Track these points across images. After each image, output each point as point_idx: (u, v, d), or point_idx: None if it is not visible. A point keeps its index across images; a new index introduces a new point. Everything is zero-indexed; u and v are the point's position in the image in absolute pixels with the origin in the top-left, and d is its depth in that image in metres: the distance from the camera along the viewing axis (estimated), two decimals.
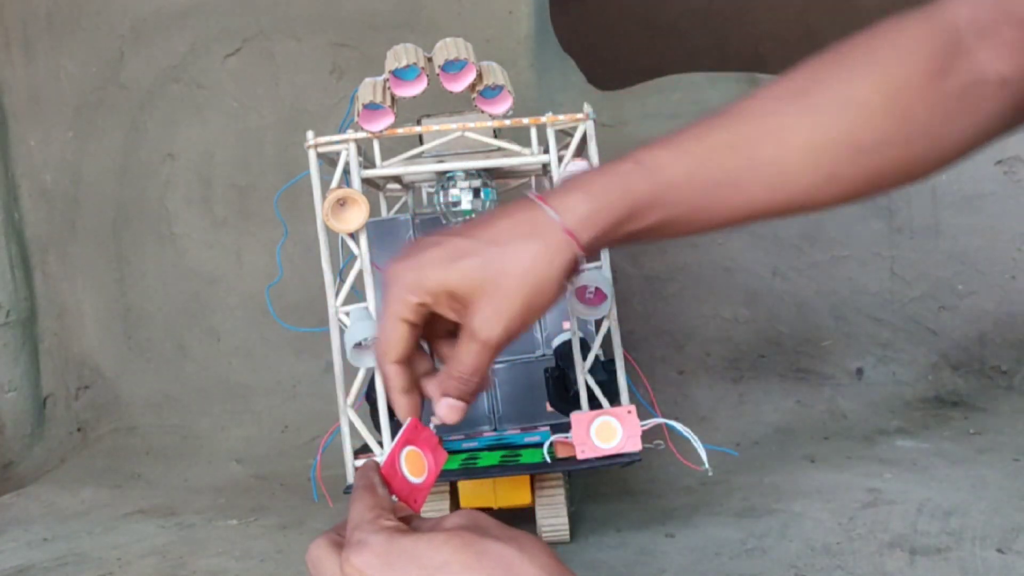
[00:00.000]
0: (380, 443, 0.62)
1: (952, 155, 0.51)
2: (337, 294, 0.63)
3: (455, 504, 0.67)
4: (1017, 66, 0.49)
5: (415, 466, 0.49)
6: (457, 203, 0.66)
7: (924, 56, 0.49)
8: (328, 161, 0.65)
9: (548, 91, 1.08)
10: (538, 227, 0.48)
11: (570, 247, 0.48)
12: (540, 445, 0.66)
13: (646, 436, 0.63)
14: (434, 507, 0.66)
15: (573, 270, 0.48)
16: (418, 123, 0.69)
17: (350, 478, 0.63)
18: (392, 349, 0.49)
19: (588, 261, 0.50)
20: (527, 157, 0.65)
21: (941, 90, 0.49)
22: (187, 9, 1.11)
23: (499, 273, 0.47)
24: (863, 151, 0.49)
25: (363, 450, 0.64)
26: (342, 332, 0.62)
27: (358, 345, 0.61)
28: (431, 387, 0.50)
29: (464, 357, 0.48)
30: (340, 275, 0.64)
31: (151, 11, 1.12)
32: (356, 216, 0.61)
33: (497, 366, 0.73)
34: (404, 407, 0.50)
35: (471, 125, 0.64)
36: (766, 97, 0.51)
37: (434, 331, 0.51)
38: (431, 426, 0.50)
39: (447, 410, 0.49)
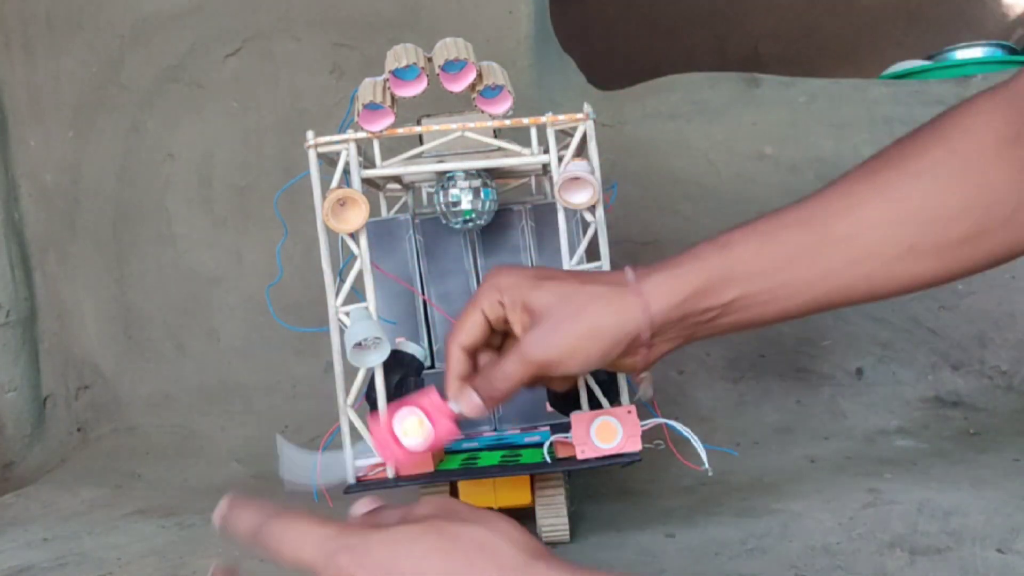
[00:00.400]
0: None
1: None
2: (337, 294, 0.63)
3: None
4: None
5: (412, 430, 0.51)
6: (457, 203, 0.66)
7: (995, 126, 0.49)
8: (328, 161, 0.65)
9: (548, 91, 1.08)
10: (618, 284, 0.51)
11: (639, 309, 0.50)
12: (540, 445, 0.66)
13: (646, 436, 0.63)
14: None
15: (638, 340, 0.50)
16: (418, 123, 0.69)
17: (351, 478, 0.63)
18: (463, 333, 0.53)
19: (658, 356, 0.52)
20: (527, 157, 0.65)
21: (1019, 154, 0.48)
22: (187, 9, 1.11)
23: (569, 304, 0.50)
24: (940, 220, 0.49)
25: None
26: (342, 332, 0.62)
27: (358, 345, 0.61)
28: (480, 371, 0.53)
29: (506, 366, 0.51)
30: (340, 275, 0.64)
31: (151, 11, 1.12)
32: (356, 216, 0.61)
33: None
34: (455, 391, 0.53)
35: (471, 125, 0.64)
36: (840, 181, 0.52)
37: (491, 340, 0.55)
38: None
39: (467, 400, 0.52)
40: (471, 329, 0.53)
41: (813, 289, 0.51)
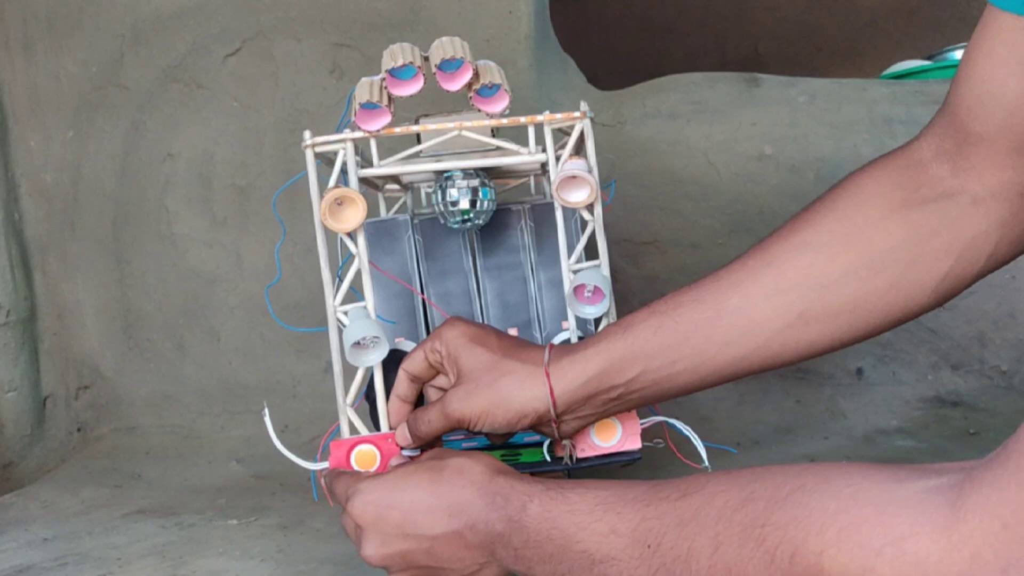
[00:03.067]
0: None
1: (936, 281, 0.52)
2: (336, 294, 0.63)
3: None
4: (987, 183, 0.50)
5: (365, 461, 0.61)
6: (455, 202, 0.66)
7: (883, 192, 0.52)
8: (326, 161, 0.65)
9: (548, 91, 1.08)
10: (533, 364, 0.57)
11: (545, 390, 0.55)
12: (539, 444, 0.66)
13: (646, 434, 0.63)
14: None
15: (544, 417, 0.56)
16: (415, 122, 0.69)
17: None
18: (409, 362, 0.61)
19: (570, 432, 0.59)
20: (525, 156, 0.64)
21: (906, 218, 0.51)
22: (187, 9, 1.12)
23: (489, 373, 0.57)
24: (826, 287, 0.52)
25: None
26: (341, 332, 0.62)
27: (357, 344, 0.61)
28: (417, 410, 0.61)
29: (430, 414, 0.58)
30: (339, 275, 0.64)
31: (151, 11, 1.12)
32: (354, 216, 0.61)
33: None
34: (394, 410, 0.62)
35: (468, 124, 0.64)
36: (734, 261, 0.56)
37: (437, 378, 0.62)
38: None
39: (400, 433, 0.60)
40: (417, 363, 0.60)
41: (713, 362, 0.54)
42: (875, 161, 0.55)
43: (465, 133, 0.65)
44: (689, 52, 1.95)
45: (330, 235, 0.63)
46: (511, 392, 0.56)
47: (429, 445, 0.60)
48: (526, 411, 0.56)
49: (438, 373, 0.61)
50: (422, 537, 0.50)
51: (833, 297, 0.52)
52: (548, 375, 0.55)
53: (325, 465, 0.62)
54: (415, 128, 0.68)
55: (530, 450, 0.67)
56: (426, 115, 0.69)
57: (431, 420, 0.58)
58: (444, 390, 0.60)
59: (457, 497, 0.50)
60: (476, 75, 0.63)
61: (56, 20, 1.13)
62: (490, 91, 0.63)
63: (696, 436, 0.63)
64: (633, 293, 1.06)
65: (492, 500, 0.49)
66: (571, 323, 0.65)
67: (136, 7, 1.12)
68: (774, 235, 0.55)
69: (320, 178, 0.64)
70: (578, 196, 0.62)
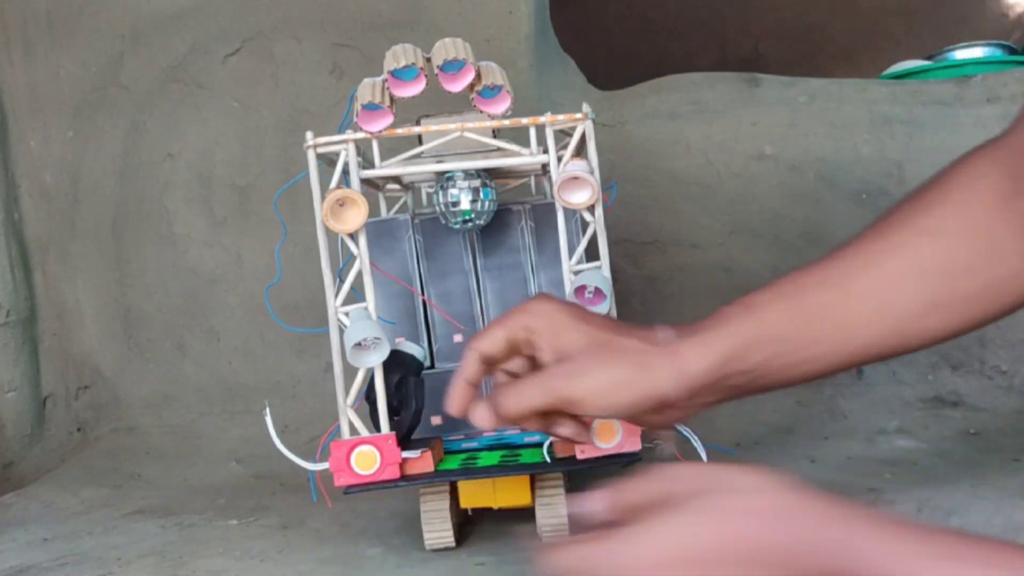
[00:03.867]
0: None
1: None
2: (337, 294, 0.63)
3: (455, 504, 0.67)
4: None
5: (364, 462, 0.60)
6: (456, 203, 0.66)
7: (992, 181, 0.51)
8: (327, 161, 0.65)
9: (548, 91, 1.08)
10: (651, 343, 0.51)
11: (673, 371, 0.50)
12: (540, 445, 0.66)
13: (646, 436, 0.63)
14: (434, 506, 0.66)
15: (666, 402, 0.50)
16: (417, 123, 0.69)
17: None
18: (484, 340, 0.53)
19: (680, 419, 0.53)
20: (526, 157, 0.65)
21: (1018, 209, 0.50)
22: (187, 9, 1.11)
23: (603, 351, 0.50)
24: (955, 275, 0.50)
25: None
26: (342, 332, 0.62)
27: (358, 345, 0.61)
28: (497, 387, 0.54)
29: (527, 388, 0.51)
30: (339, 275, 0.64)
31: (151, 11, 1.12)
32: (355, 216, 0.61)
33: None
34: (458, 394, 0.54)
35: (470, 125, 0.64)
36: (854, 241, 0.54)
37: (509, 363, 0.55)
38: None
39: (484, 414, 0.52)
40: (492, 341, 0.53)
41: (843, 348, 0.52)
42: (978, 150, 0.54)
43: (466, 134, 0.65)
44: (689, 52, 1.95)
45: (331, 235, 0.63)
46: (634, 372, 0.50)
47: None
48: (651, 393, 0.50)
49: (514, 354, 0.54)
50: None
51: (961, 285, 0.51)
52: (677, 356, 0.50)
53: (325, 465, 0.62)
54: (417, 129, 0.68)
55: (530, 450, 0.67)
56: (428, 116, 0.69)
57: (527, 395, 0.51)
58: (514, 375, 0.55)
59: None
60: (478, 76, 0.63)
61: (56, 20, 1.13)
62: (492, 92, 0.63)
63: (696, 438, 0.63)
64: (633, 293, 1.06)
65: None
66: None
67: (136, 7, 1.12)
68: (890, 220, 0.53)
69: (322, 178, 0.64)
70: (580, 197, 0.63)
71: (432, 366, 0.73)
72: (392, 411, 0.64)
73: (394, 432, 0.62)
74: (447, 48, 0.63)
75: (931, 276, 0.51)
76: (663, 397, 0.50)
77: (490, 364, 0.54)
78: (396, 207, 0.81)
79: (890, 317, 0.51)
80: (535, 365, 0.54)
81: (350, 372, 0.63)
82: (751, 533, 0.36)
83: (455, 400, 0.54)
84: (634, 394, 0.50)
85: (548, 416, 0.54)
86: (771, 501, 0.37)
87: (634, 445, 0.61)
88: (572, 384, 0.50)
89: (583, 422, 0.56)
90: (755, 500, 0.37)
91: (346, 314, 0.63)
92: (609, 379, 0.50)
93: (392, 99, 0.63)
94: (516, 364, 0.55)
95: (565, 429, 0.55)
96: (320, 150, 0.63)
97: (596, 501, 0.41)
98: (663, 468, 0.41)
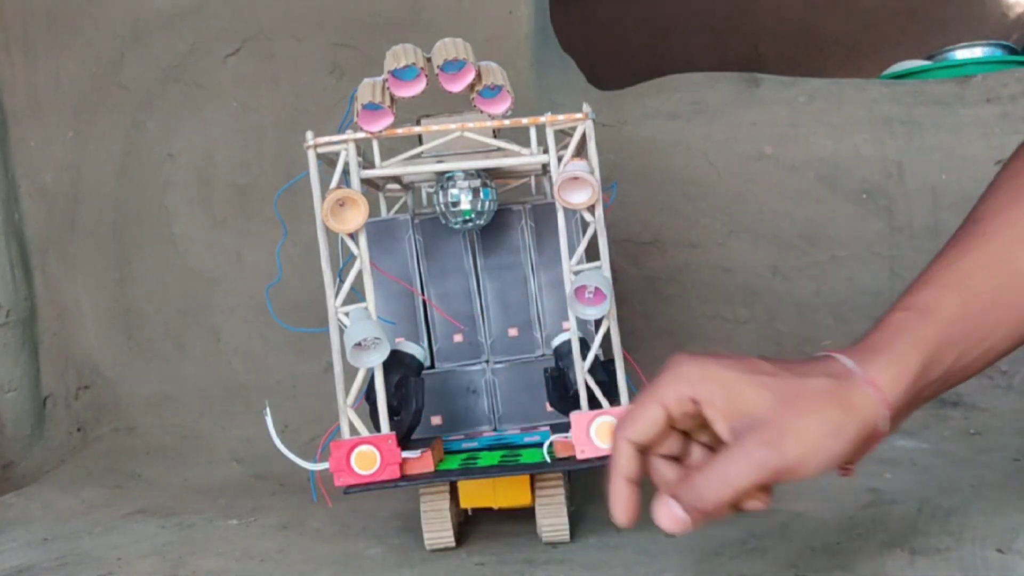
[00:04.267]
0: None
1: None
2: (337, 294, 0.63)
3: (455, 504, 0.67)
4: None
5: (364, 462, 0.60)
6: (457, 203, 0.67)
7: None
8: (327, 161, 0.65)
9: (548, 91, 1.08)
10: (840, 377, 0.46)
11: (876, 402, 0.45)
12: (540, 445, 0.66)
13: None
14: (434, 506, 0.66)
15: (876, 435, 0.45)
16: (417, 123, 0.69)
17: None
18: (636, 426, 0.46)
19: (889, 430, 0.47)
20: (526, 157, 0.65)
21: None
22: (187, 9, 1.12)
23: (797, 402, 0.44)
24: None
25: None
26: (342, 332, 0.62)
27: (358, 345, 0.61)
28: (664, 474, 0.47)
29: (728, 471, 0.43)
30: (340, 275, 0.64)
31: (151, 11, 1.12)
32: (355, 216, 0.61)
33: (497, 366, 0.73)
34: (622, 497, 0.46)
35: (470, 125, 0.64)
36: (990, 212, 0.51)
37: (665, 441, 0.48)
38: None
39: (668, 517, 0.44)
40: (648, 424, 0.45)
41: (1020, 330, 0.49)
42: None
43: (467, 134, 0.65)
44: (689, 52, 1.95)
45: (331, 235, 0.63)
46: (842, 416, 0.44)
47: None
48: (863, 433, 0.44)
49: (672, 433, 0.47)
50: None
51: None
52: (875, 385, 0.45)
53: (325, 466, 0.62)
54: (417, 129, 0.68)
55: (530, 450, 0.67)
56: (428, 116, 0.69)
57: (731, 480, 0.43)
58: (673, 458, 0.48)
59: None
60: (478, 76, 0.63)
61: (56, 20, 1.13)
62: (492, 92, 0.63)
63: None
64: (633, 293, 1.06)
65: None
66: (572, 324, 0.65)
67: (136, 7, 1.12)
68: (1019, 183, 0.50)
69: (322, 178, 0.64)
70: (580, 197, 0.63)
71: (432, 366, 0.73)
72: (392, 411, 0.64)
73: (394, 432, 0.62)
74: (447, 48, 0.63)
75: None
76: (875, 433, 0.45)
77: (647, 452, 0.47)
78: (396, 207, 0.81)
79: None
80: (688, 438, 0.48)
81: (350, 372, 0.63)
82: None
83: (621, 507, 0.46)
84: (847, 441, 0.44)
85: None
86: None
87: None
88: (783, 451, 0.43)
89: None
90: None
91: (346, 314, 0.63)
92: (820, 433, 0.43)
93: (392, 99, 0.63)
94: (672, 443, 0.48)
95: (757, 503, 0.46)
96: (320, 150, 0.63)
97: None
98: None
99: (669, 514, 0.43)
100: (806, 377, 0.45)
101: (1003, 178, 0.52)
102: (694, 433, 0.48)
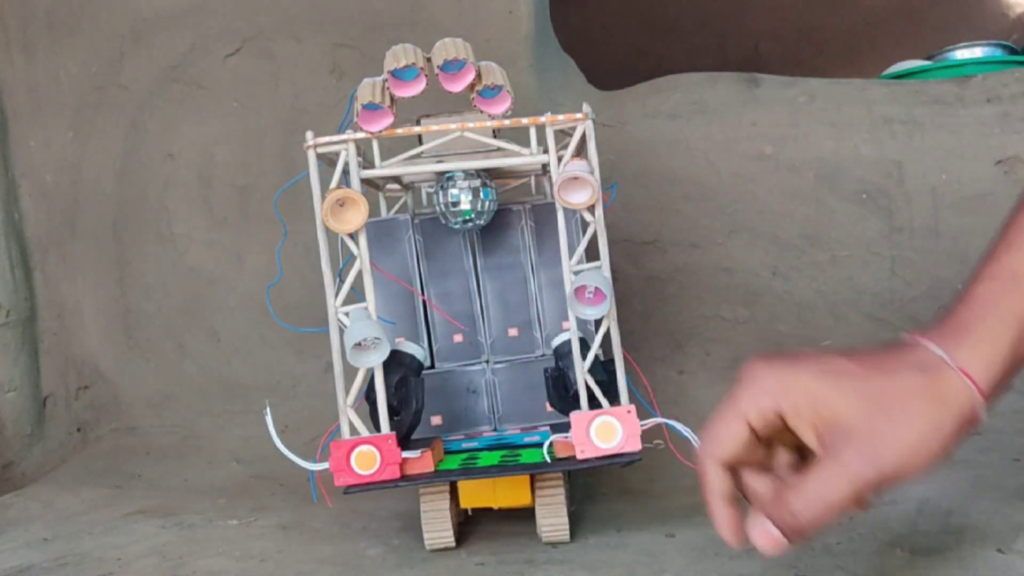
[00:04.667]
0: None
1: None
2: (337, 294, 0.63)
3: (455, 504, 0.67)
4: None
5: (364, 462, 0.60)
6: (457, 203, 0.67)
7: None
8: (327, 161, 0.65)
9: (548, 91, 1.08)
10: (929, 367, 0.43)
11: (970, 391, 0.43)
12: (540, 445, 0.66)
13: (646, 436, 0.63)
14: (434, 506, 0.66)
15: (972, 423, 0.43)
16: (417, 123, 0.69)
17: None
18: (721, 447, 0.44)
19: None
20: (526, 157, 0.65)
21: None
22: (187, 9, 1.12)
23: (887, 404, 0.41)
24: None
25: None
26: (342, 332, 0.62)
27: (358, 345, 0.61)
28: (755, 488, 0.44)
29: (824, 487, 0.41)
30: (340, 275, 0.64)
31: (151, 11, 1.12)
32: (355, 216, 0.61)
33: (497, 366, 0.73)
34: (724, 517, 0.44)
35: (470, 125, 0.64)
36: None
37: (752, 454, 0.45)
38: None
39: (764, 537, 0.43)
40: (732, 441, 0.43)
41: None
42: None
43: (467, 134, 0.65)
44: (689, 52, 1.95)
45: (331, 235, 0.63)
46: (937, 413, 0.42)
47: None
48: (961, 426, 0.43)
49: (758, 444, 0.45)
50: None
51: None
52: (968, 374, 0.43)
53: (325, 465, 0.62)
54: (417, 129, 0.68)
55: (530, 450, 0.67)
56: (428, 116, 0.69)
57: (829, 496, 0.41)
58: (765, 471, 0.45)
59: None
60: (478, 76, 0.63)
61: (56, 20, 1.14)
62: (492, 92, 0.63)
63: (696, 438, 0.63)
64: (633, 293, 1.06)
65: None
66: (572, 324, 0.65)
67: (136, 7, 1.12)
68: None
69: (322, 178, 0.64)
70: (580, 197, 0.63)
71: (432, 366, 0.73)
72: (392, 411, 0.64)
73: (394, 432, 0.62)
74: (447, 48, 0.63)
75: None
76: (974, 423, 0.43)
77: (735, 469, 0.45)
78: (396, 207, 0.81)
79: None
80: (772, 444, 0.46)
81: (350, 372, 0.63)
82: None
83: (726, 527, 0.44)
84: (946, 437, 0.42)
85: None
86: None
87: (635, 445, 0.61)
88: (880, 461, 0.41)
89: None
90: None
91: (346, 314, 0.63)
92: (917, 436, 0.41)
93: (392, 99, 0.63)
94: (757, 453, 0.46)
95: (857, 507, 0.44)
96: (320, 150, 0.63)
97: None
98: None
99: (765, 534, 0.43)
100: (893, 374, 0.42)
101: None
102: (779, 437, 0.46)
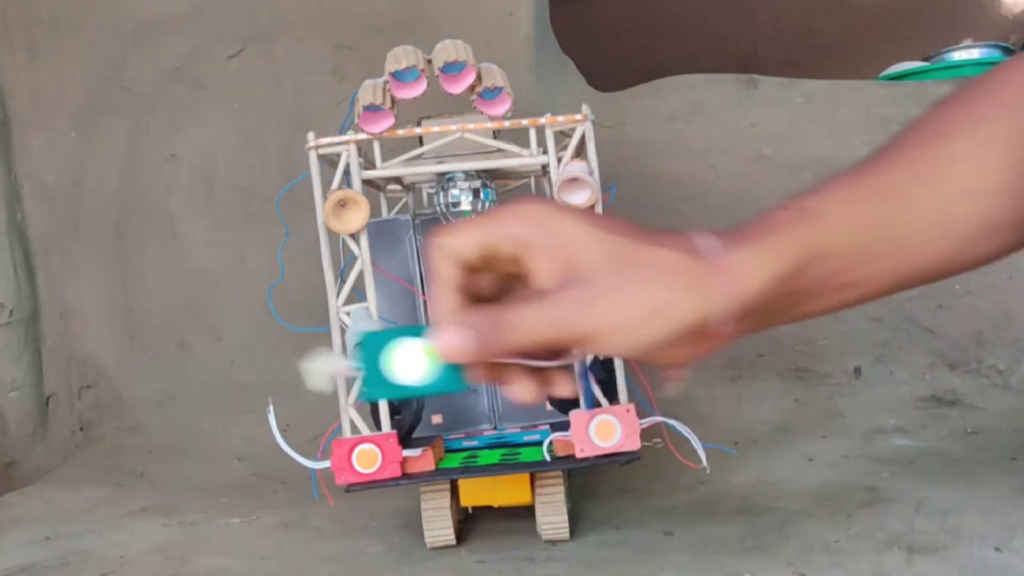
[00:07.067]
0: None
1: None
2: (338, 294, 0.64)
3: (455, 502, 0.68)
4: None
5: (365, 460, 0.60)
6: (457, 203, 0.67)
7: None
8: (329, 162, 0.65)
9: (548, 92, 1.08)
10: (690, 254, 0.40)
11: (723, 290, 0.40)
12: (540, 444, 0.66)
13: (645, 434, 0.63)
14: (435, 504, 0.67)
15: (708, 329, 0.40)
16: (418, 124, 0.70)
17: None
18: (457, 239, 0.41)
19: (717, 349, 0.42)
20: (526, 158, 0.65)
21: None
22: (189, 11, 1.12)
23: (628, 269, 0.39)
24: (1015, 196, 0.45)
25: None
26: (343, 332, 0.63)
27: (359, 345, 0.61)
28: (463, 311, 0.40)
29: (526, 317, 0.39)
30: (341, 275, 0.65)
31: (153, 13, 1.13)
32: (357, 217, 0.62)
33: None
34: (444, 302, 0.41)
35: (471, 126, 0.65)
36: (904, 146, 0.47)
37: (475, 279, 0.42)
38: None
39: (453, 334, 0.39)
40: (464, 240, 0.40)
41: (903, 266, 0.45)
42: (1013, 63, 0.47)
43: (467, 135, 0.65)
44: (688, 53, 1.95)
45: (332, 236, 0.64)
46: (675, 294, 0.39)
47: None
48: (694, 320, 0.39)
49: (487, 269, 0.42)
50: None
51: (1021, 207, 0.45)
52: (726, 273, 0.40)
53: (326, 464, 0.63)
54: (418, 130, 0.68)
55: (530, 449, 0.68)
56: (428, 117, 0.70)
57: (525, 327, 0.38)
58: (481, 300, 0.42)
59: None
60: (479, 78, 0.64)
61: (59, 22, 1.14)
62: (492, 94, 0.63)
63: (695, 437, 0.64)
64: None
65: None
66: None
67: (138, 9, 1.13)
68: (945, 120, 0.47)
69: (323, 179, 0.65)
70: (579, 198, 0.63)
71: None
72: (393, 410, 0.65)
73: (395, 431, 0.63)
74: (448, 50, 0.63)
75: (993, 196, 0.45)
76: (707, 325, 0.40)
77: (461, 273, 0.42)
78: (397, 208, 0.82)
79: (951, 237, 0.45)
80: (505, 285, 0.43)
81: None
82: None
83: (441, 309, 0.41)
84: (673, 323, 0.39)
85: (503, 366, 0.41)
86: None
87: (634, 444, 0.62)
88: (593, 315, 0.38)
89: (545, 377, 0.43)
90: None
91: (347, 314, 0.63)
92: (643, 305, 0.38)
93: (393, 100, 0.64)
94: (485, 280, 0.43)
95: (522, 389, 0.42)
96: (322, 151, 0.64)
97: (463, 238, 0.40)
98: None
99: (456, 332, 0.39)
100: (655, 247, 0.40)
101: (931, 113, 0.48)
102: (507, 278, 0.43)
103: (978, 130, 0.46)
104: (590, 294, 0.38)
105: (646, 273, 0.39)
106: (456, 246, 0.40)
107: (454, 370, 0.39)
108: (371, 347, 0.40)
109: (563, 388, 0.43)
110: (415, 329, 0.40)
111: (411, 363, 0.40)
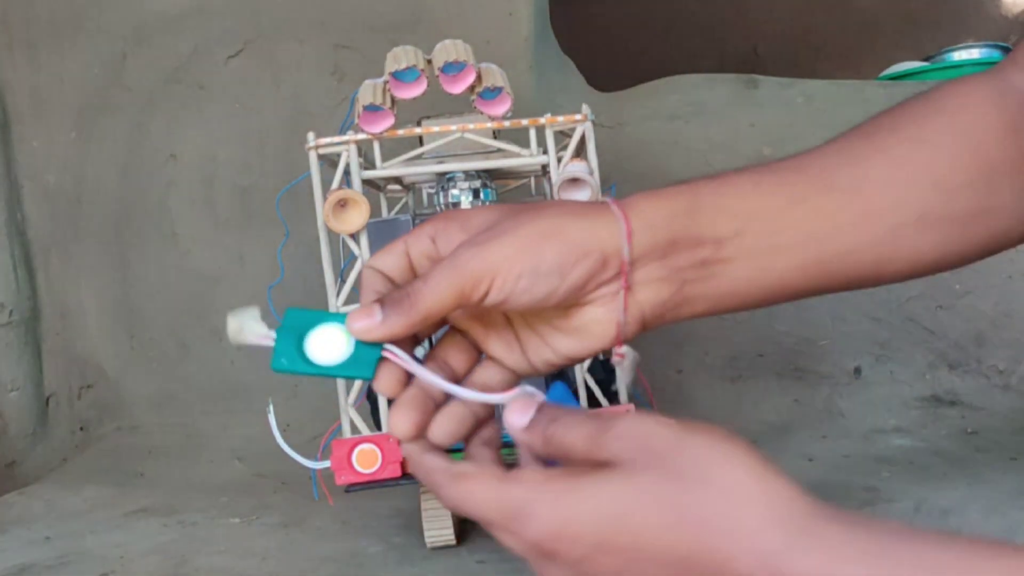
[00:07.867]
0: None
1: None
2: (338, 294, 0.64)
3: None
4: None
5: (365, 460, 0.60)
6: (457, 203, 0.67)
7: (994, 109, 0.46)
8: (329, 162, 0.65)
9: (548, 92, 1.08)
10: (590, 202, 0.41)
11: (615, 221, 0.39)
12: None
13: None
14: (435, 504, 0.67)
15: (610, 264, 0.39)
16: (418, 124, 0.70)
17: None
18: (378, 257, 0.42)
19: (633, 300, 0.41)
20: (526, 158, 0.65)
21: (1018, 145, 0.45)
22: (189, 11, 1.12)
23: (522, 212, 0.39)
24: (947, 190, 0.45)
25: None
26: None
27: None
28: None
29: (429, 277, 0.38)
30: (341, 275, 0.65)
31: (153, 13, 1.13)
32: (357, 217, 0.62)
33: None
34: (371, 283, 0.41)
35: (471, 126, 0.65)
36: (832, 141, 0.47)
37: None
38: None
39: (364, 314, 0.39)
40: (388, 255, 0.41)
41: (821, 248, 0.43)
42: (969, 80, 0.48)
43: (467, 135, 0.65)
44: (688, 54, 1.95)
45: (332, 236, 0.64)
46: (565, 222, 0.39)
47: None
48: (588, 247, 0.38)
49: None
50: None
51: (955, 203, 0.45)
52: (618, 205, 0.40)
53: (326, 464, 0.63)
54: (418, 130, 0.68)
55: None
56: (428, 117, 0.70)
57: (432, 286, 0.38)
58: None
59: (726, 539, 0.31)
60: (479, 78, 0.64)
61: (59, 22, 1.14)
62: (492, 94, 0.63)
63: None
64: None
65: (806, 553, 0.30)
66: None
67: (138, 9, 1.13)
68: (876, 124, 0.47)
69: (323, 179, 0.65)
70: (579, 198, 0.63)
71: None
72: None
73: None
74: (448, 50, 0.63)
75: (922, 186, 0.45)
76: (602, 255, 0.39)
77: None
78: (397, 207, 0.82)
79: (877, 224, 0.44)
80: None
81: None
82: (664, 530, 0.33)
83: (365, 291, 0.41)
84: (567, 249, 0.38)
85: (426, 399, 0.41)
86: (716, 492, 0.32)
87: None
88: (487, 253, 0.37)
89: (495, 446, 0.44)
90: (697, 489, 0.32)
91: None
92: (534, 231, 0.38)
93: (393, 100, 0.64)
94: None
95: (482, 450, 0.44)
96: (322, 151, 0.64)
97: (521, 414, 0.39)
98: (611, 419, 0.36)
99: (368, 311, 0.39)
100: (552, 202, 0.41)
101: (866, 122, 0.48)
102: None
103: (913, 129, 0.46)
104: (485, 237, 0.38)
105: (543, 210, 0.39)
106: (378, 263, 0.41)
107: (367, 357, 0.39)
108: (293, 321, 0.42)
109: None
110: (342, 316, 0.40)
111: (326, 343, 0.41)
